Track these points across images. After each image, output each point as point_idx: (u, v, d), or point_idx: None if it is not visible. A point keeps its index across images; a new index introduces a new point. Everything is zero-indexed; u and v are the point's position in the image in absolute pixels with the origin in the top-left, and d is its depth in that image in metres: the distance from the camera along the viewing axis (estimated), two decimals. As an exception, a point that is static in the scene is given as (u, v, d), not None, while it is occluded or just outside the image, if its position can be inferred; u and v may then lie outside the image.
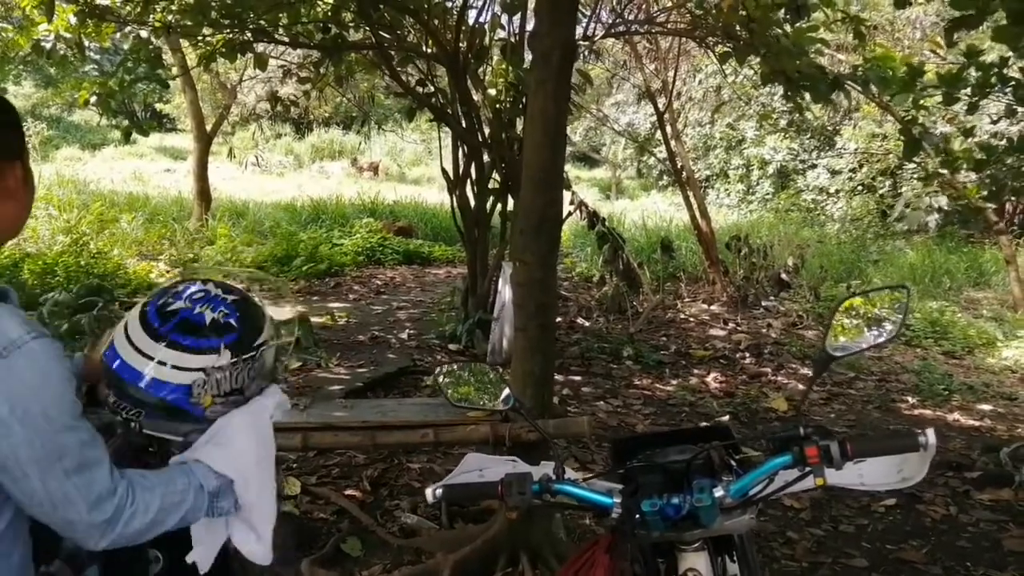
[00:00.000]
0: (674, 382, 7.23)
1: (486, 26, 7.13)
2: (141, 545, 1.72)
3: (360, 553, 3.91)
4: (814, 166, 19.46)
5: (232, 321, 1.65)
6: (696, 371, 7.60)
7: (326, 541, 3.94)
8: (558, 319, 9.20)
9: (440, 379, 1.94)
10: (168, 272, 10.06)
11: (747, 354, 8.25)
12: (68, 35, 7.19)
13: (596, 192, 24.23)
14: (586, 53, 12.21)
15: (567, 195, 8.24)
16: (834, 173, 18.70)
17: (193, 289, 1.68)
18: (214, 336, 1.62)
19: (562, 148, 3.79)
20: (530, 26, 6.15)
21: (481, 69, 7.47)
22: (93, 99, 8.08)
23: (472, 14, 7.39)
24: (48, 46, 7.30)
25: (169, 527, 1.51)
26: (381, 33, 7.12)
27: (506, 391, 1.86)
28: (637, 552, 1.75)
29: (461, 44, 6.99)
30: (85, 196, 13.82)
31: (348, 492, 4.51)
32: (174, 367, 1.59)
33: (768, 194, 20.49)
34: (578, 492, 1.72)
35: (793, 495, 4.61)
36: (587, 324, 9.02)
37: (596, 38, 7.87)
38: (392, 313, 9.02)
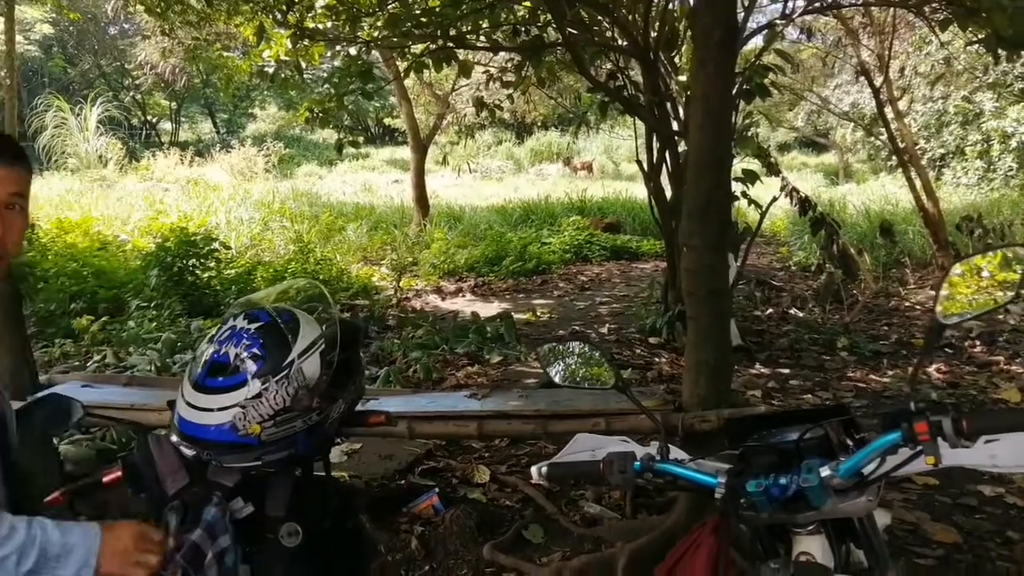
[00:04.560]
0: (891, 373, 6.78)
1: (675, 13, 7.02)
2: (277, 518, 1.87)
3: (541, 540, 3.96)
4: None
5: (256, 350, 1.75)
6: (911, 370, 7.06)
7: (509, 527, 4.03)
8: (769, 310, 8.89)
9: (543, 357, 1.94)
10: (388, 275, 10.62)
11: (977, 342, 7.58)
12: (287, 58, 7.73)
13: (820, 178, 23.14)
14: (796, 33, 11.71)
15: (776, 181, 7.96)
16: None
17: (223, 329, 1.82)
18: (240, 371, 1.73)
19: (727, 129, 3.67)
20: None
21: (673, 56, 7.35)
22: (312, 116, 8.69)
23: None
24: (270, 71, 7.89)
25: None
26: (571, 31, 7.18)
27: (612, 370, 1.84)
28: (748, 534, 1.67)
29: (652, 33, 6.91)
30: (317, 208, 14.88)
31: (534, 481, 4.57)
32: (213, 409, 1.73)
33: (1011, 170, 18.69)
34: (681, 472, 1.68)
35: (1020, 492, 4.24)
36: (800, 315, 8.65)
37: (795, 15, 7.53)
38: (594, 308, 9.07)
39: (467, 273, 11.06)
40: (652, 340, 7.50)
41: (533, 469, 1.77)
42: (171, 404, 2.01)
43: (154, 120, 31.38)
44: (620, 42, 7.33)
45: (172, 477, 1.82)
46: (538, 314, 8.64)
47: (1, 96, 10.50)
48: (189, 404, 1.75)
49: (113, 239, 10.63)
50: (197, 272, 8.42)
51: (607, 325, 8.10)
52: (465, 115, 14.70)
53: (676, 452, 1.74)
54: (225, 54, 9.87)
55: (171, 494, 1.80)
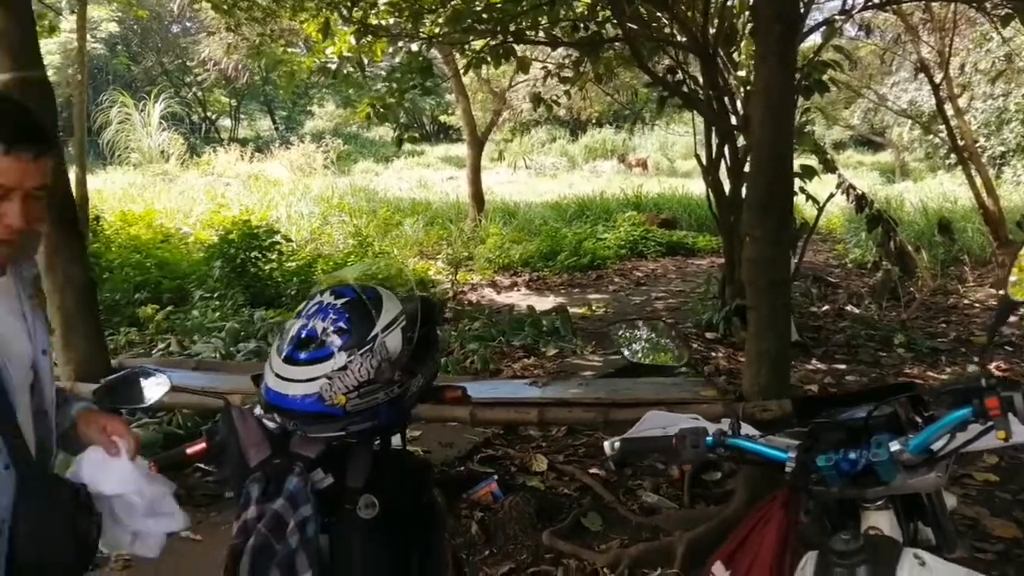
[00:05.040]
0: (948, 370, 6.71)
1: (735, 8, 7.01)
2: (356, 489, 1.94)
3: (600, 528, 4.01)
4: None
5: (342, 324, 1.81)
6: (976, 359, 6.99)
7: (568, 515, 4.08)
8: (825, 307, 8.83)
9: (618, 335, 2.00)
10: (443, 270, 10.74)
11: (1038, 341, 7.46)
12: (349, 55, 7.85)
13: (876, 176, 22.81)
14: (855, 29, 11.56)
15: (832, 178, 7.91)
16: None
17: (310, 304, 1.89)
18: (327, 344, 1.80)
19: (789, 123, 3.70)
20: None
21: (733, 51, 7.34)
22: (373, 113, 8.83)
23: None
24: (333, 67, 8.03)
25: None
26: (631, 26, 7.20)
27: (684, 350, 1.89)
28: (817, 508, 1.71)
29: (711, 29, 6.91)
30: (374, 204, 15.08)
31: (592, 471, 4.63)
32: (301, 380, 1.79)
33: (1075, 168, 18.23)
34: (752, 447, 1.72)
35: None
36: (856, 311, 8.57)
37: (855, 11, 7.47)
38: (650, 303, 9.09)
39: (522, 268, 11.14)
40: (709, 335, 7.50)
41: (606, 444, 1.81)
42: (255, 379, 2.11)
43: (214, 116, 31.99)
44: (679, 37, 7.33)
45: (255, 449, 1.90)
46: (593, 308, 8.68)
47: (70, 93, 10.82)
48: (278, 376, 1.83)
49: (175, 232, 10.89)
50: (259, 264, 8.61)
51: (663, 320, 8.11)
52: (522, 111, 14.77)
53: (746, 428, 1.78)
54: (289, 50, 10.07)
55: (253, 465, 1.88)
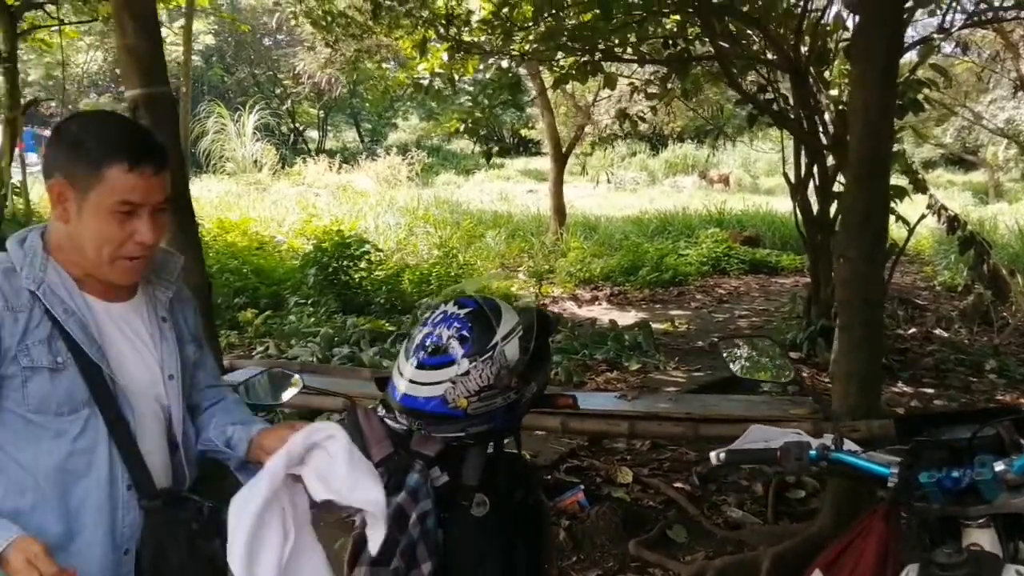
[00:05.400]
0: (1044, 397, 6.56)
1: (828, 27, 7.00)
2: (471, 488, 2.07)
3: (685, 540, 4.08)
4: None
5: (465, 333, 1.94)
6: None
7: (653, 526, 4.16)
8: (912, 330, 8.68)
9: (723, 348, 2.08)
10: (526, 281, 10.87)
11: None
12: (441, 71, 8.07)
13: (968, 196, 22.21)
14: (951, 46, 11.36)
15: (923, 198, 7.80)
16: None
17: (435, 314, 2.03)
18: (451, 351, 1.93)
19: (887, 142, 3.72)
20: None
21: (824, 71, 7.32)
22: (462, 127, 9.05)
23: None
24: (425, 83, 8.27)
25: None
26: (722, 44, 7.24)
27: (789, 366, 1.97)
28: (916, 524, 1.77)
29: (802, 47, 6.92)
30: (457, 215, 15.33)
31: (677, 485, 4.70)
32: (427, 383, 1.93)
33: None
34: (855, 461, 1.78)
35: None
36: (945, 335, 8.42)
37: (954, 29, 7.38)
38: (733, 321, 9.07)
39: (603, 282, 11.20)
40: (793, 355, 7.45)
41: (712, 454, 1.89)
42: (379, 382, 2.27)
43: (301, 128, 32.81)
44: (770, 55, 7.35)
45: (378, 446, 2.04)
46: (676, 324, 8.71)
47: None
48: (406, 379, 1.98)
49: (270, 239, 11.26)
50: (350, 272, 8.88)
51: (770, 337, 8.08)
52: (607, 126, 14.84)
53: (848, 444, 1.85)
54: (384, 65, 10.36)
55: (376, 461, 2.02)
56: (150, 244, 1.66)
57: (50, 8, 8.47)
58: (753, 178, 26.05)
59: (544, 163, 27.89)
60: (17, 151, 9.07)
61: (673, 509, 4.39)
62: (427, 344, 1.98)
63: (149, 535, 1.70)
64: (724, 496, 4.59)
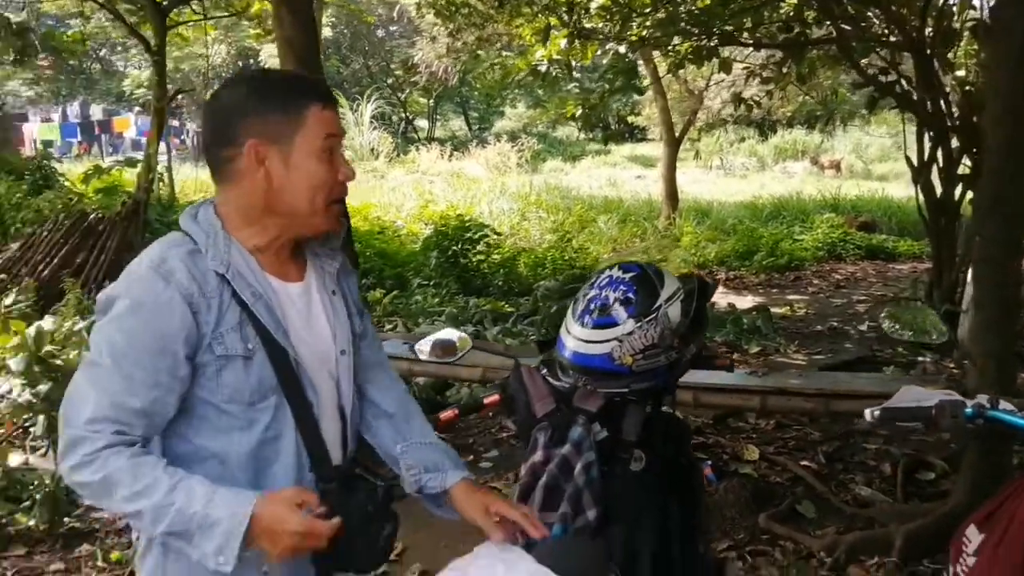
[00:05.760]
0: None
1: (954, 7, 6.87)
2: (629, 443, 2.20)
3: (814, 515, 4.13)
4: None
5: (631, 295, 2.07)
6: None
7: (782, 501, 4.23)
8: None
9: (882, 313, 2.18)
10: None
11: None
12: (559, 57, 8.21)
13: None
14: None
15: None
16: None
17: (602, 277, 2.15)
18: (617, 311, 2.06)
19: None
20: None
21: (950, 52, 7.18)
22: (579, 112, 9.19)
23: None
24: (543, 69, 8.42)
25: (113, 508, 1.57)
26: (843, 26, 7.18)
27: (942, 327, 2.05)
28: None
29: (926, 28, 6.81)
30: (567, 201, 15.46)
31: (803, 463, 4.75)
32: (594, 342, 2.07)
33: None
34: (1012, 420, 1.82)
35: None
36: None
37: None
38: (851, 306, 8.97)
39: (717, 267, 11.19)
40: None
41: (866, 412, 1.96)
42: (540, 345, 2.43)
43: (411, 116, 33.47)
44: (892, 37, 7.25)
45: (541, 402, 2.19)
46: (794, 308, 8.68)
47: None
48: (576, 338, 2.13)
49: (390, 224, 11.64)
50: (469, 255, 9.15)
51: (866, 323, 8.02)
52: (719, 111, 14.74)
53: (1004, 403, 1.91)
54: (504, 53, 10.59)
55: (539, 416, 2.18)
56: (352, 178, 1.68)
57: (195, 5, 8.96)
58: (865, 164, 25.34)
59: (650, 149, 27.81)
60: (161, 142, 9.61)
61: (801, 486, 4.44)
62: (594, 306, 2.13)
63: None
64: (851, 475, 4.62)
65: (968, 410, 1.86)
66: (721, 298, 9.31)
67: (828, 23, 7.33)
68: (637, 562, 2.05)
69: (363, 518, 1.64)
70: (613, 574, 1.94)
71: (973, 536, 1.95)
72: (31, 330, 4.46)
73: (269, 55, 27.10)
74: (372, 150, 20.57)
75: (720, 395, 4.04)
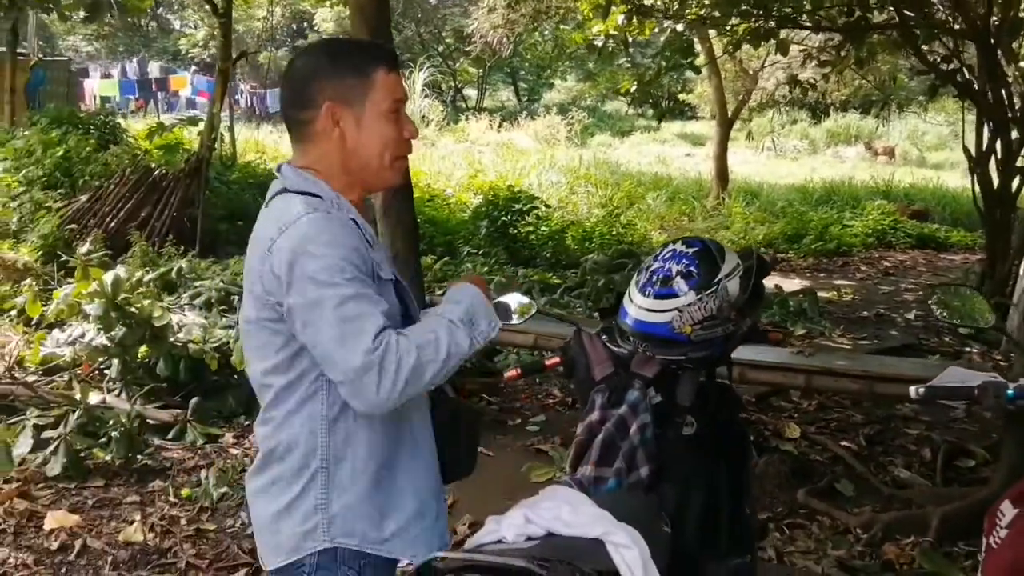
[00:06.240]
0: None
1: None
2: (683, 408, 2.33)
3: (852, 494, 4.22)
4: None
5: (692, 269, 2.17)
6: None
7: (821, 478, 4.33)
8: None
9: (932, 298, 2.27)
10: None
11: None
12: (615, 33, 8.27)
13: None
14: None
15: None
16: None
17: (665, 251, 2.26)
18: (679, 283, 2.17)
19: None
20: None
21: (1015, 42, 7.13)
22: (633, 87, 9.23)
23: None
24: (599, 44, 8.49)
25: (436, 370, 1.67)
26: (906, 12, 7.15)
27: (991, 312, 2.14)
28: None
29: (992, 17, 6.77)
30: (616, 176, 15.48)
31: (843, 444, 4.84)
32: (657, 311, 2.18)
33: None
34: (1053, 401, 1.93)
35: None
36: None
37: None
38: (899, 294, 8.97)
39: (766, 249, 11.19)
40: (962, 330, 7.36)
41: (911, 388, 2.04)
42: (601, 312, 2.55)
43: (460, 86, 33.50)
44: (956, 24, 7.21)
45: (600, 366, 2.32)
46: (841, 293, 8.71)
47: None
48: (639, 307, 2.25)
49: (440, 192, 11.79)
50: (519, 227, 9.27)
51: (913, 311, 8.03)
52: (774, 92, 14.65)
53: (1045, 387, 1.99)
54: (562, 26, 10.63)
55: (598, 379, 2.30)
56: (415, 136, 1.83)
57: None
58: (920, 151, 24.96)
59: (700, 127, 27.60)
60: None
61: (840, 465, 4.53)
62: (657, 278, 2.24)
63: (440, 434, 1.94)
64: (891, 458, 4.70)
65: (1010, 391, 1.91)
66: (768, 280, 9.33)
67: (890, 7, 7.30)
68: (686, 515, 2.17)
69: (470, 432, 2.01)
70: (664, 524, 2.05)
71: (1007, 510, 2.01)
72: (108, 277, 4.66)
73: (322, 19, 27.35)
74: (423, 118, 20.68)
75: (766, 372, 4.15)
